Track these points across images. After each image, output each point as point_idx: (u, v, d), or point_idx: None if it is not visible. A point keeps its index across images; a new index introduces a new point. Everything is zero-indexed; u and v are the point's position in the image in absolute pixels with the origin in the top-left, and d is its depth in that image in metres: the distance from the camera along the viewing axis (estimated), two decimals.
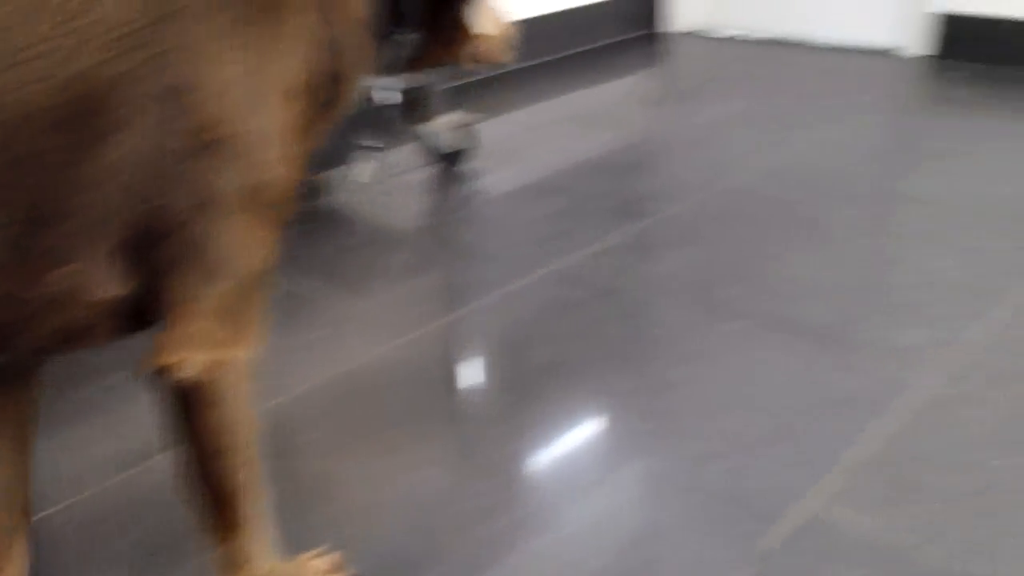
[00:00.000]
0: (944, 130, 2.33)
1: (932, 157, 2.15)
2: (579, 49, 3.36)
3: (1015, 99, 2.57)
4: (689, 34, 3.56)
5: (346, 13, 0.83)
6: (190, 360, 0.76)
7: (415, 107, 2.15)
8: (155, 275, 0.75)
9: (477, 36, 1.06)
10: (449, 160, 2.21)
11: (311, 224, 1.92)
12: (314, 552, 0.99)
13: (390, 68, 1.00)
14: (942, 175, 2.03)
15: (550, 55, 3.26)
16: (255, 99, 0.74)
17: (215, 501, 0.82)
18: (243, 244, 0.76)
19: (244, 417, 0.80)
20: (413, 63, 1.03)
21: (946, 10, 2.97)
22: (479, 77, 2.97)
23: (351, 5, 0.84)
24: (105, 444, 1.23)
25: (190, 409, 0.78)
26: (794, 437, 1.19)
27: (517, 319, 1.51)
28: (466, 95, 2.79)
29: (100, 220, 0.71)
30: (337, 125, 0.90)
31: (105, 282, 0.74)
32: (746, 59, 3.16)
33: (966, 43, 2.96)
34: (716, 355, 1.38)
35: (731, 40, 3.45)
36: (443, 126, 2.18)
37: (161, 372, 0.76)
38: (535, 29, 3.18)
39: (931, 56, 3.03)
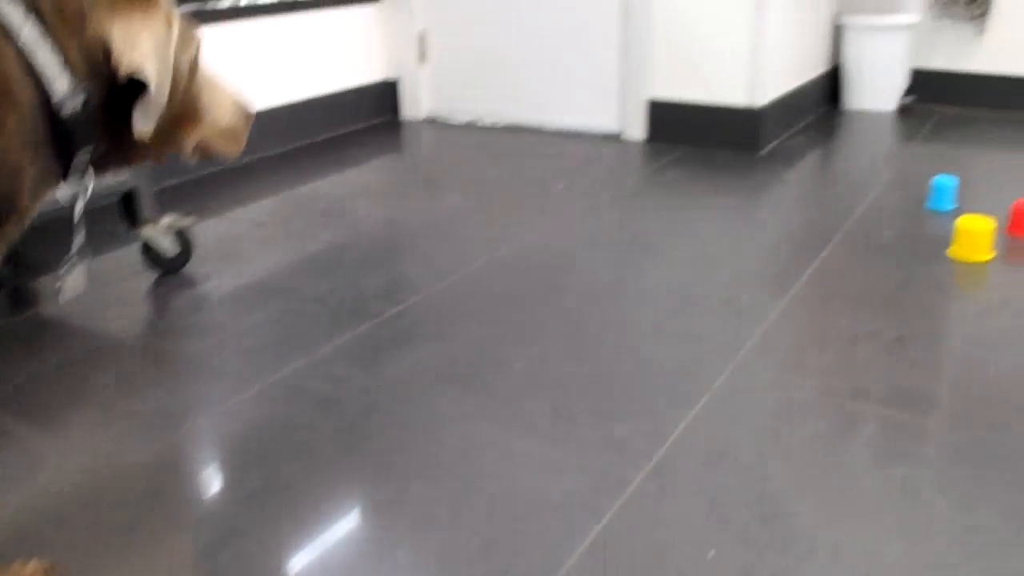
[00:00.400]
0: (659, 213, 2.45)
1: (649, 242, 2.25)
2: (315, 139, 3.32)
3: (719, 180, 2.75)
4: (429, 121, 3.60)
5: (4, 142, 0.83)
6: None
7: (131, 210, 2.04)
8: None
9: (197, 129, 1.04)
10: (169, 265, 2.10)
11: (10, 342, 1.75)
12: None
13: (76, 175, 0.96)
14: (658, 260, 2.12)
15: (283, 146, 3.20)
16: None
17: None
18: None
19: None
20: (98, 167, 0.99)
21: (657, 97, 3.16)
22: (205, 173, 2.86)
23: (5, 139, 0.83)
24: None
25: None
26: (512, 549, 1.16)
27: (232, 441, 1.42)
28: (189, 194, 2.68)
29: None
30: (14, 240, 0.89)
31: None
32: (483, 145, 3.22)
33: (674, 127, 3.15)
34: (439, 465, 1.34)
35: (469, 126, 3.51)
36: (161, 229, 2.07)
37: None
38: (270, 120, 3.11)
39: (648, 140, 3.21)
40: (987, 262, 2.11)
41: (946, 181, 2.47)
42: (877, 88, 3.70)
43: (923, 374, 1.60)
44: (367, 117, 3.56)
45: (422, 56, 3.58)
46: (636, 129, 3.24)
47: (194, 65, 1.00)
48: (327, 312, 1.86)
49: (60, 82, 0.88)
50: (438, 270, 2.08)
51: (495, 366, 1.63)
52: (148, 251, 2.10)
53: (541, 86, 3.38)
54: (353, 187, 2.72)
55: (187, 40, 0.98)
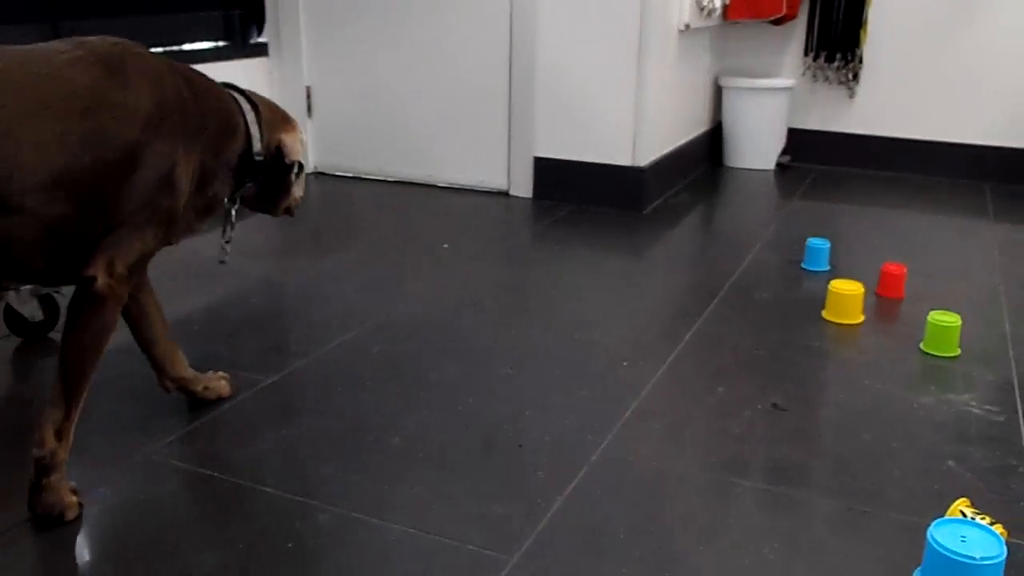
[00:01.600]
0: (544, 274, 2.45)
1: (533, 304, 2.24)
2: None
3: (603, 239, 2.78)
4: (315, 175, 3.55)
5: (219, 160, 1.50)
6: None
7: None
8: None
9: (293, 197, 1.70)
10: (33, 330, 2.00)
11: None
12: None
13: (234, 202, 1.62)
14: (542, 323, 2.12)
15: None
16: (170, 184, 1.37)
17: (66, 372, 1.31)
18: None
19: (110, 326, 1.33)
20: (249, 204, 1.67)
21: (543, 154, 3.19)
22: None
23: (225, 156, 1.51)
24: None
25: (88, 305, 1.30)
26: None
27: (90, 525, 1.34)
28: None
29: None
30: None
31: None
32: (369, 201, 3.19)
33: (561, 185, 3.18)
34: (310, 552, 1.29)
35: (356, 181, 3.48)
36: (25, 294, 1.97)
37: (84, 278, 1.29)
38: None
39: (536, 198, 3.23)
40: (859, 325, 2.17)
41: (820, 243, 2.55)
42: (756, 147, 3.81)
43: (798, 444, 1.62)
44: None
45: (309, 110, 3.54)
46: (523, 186, 3.25)
47: None
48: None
49: (256, 143, 1.56)
50: (319, 335, 2.03)
51: (373, 442, 1.59)
52: (11, 316, 2.00)
53: (429, 141, 3.38)
54: (233, 244, 2.65)
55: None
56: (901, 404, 1.78)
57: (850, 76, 3.76)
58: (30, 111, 1.21)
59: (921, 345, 2.04)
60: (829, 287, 2.19)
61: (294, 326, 2.09)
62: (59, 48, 1.31)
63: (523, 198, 3.25)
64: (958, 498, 1.38)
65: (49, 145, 1.22)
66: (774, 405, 1.76)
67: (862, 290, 2.18)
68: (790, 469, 1.53)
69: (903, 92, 3.75)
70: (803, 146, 3.88)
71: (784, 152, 3.86)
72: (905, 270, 2.37)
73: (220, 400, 1.72)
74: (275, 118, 1.62)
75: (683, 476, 1.50)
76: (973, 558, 1.16)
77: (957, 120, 3.70)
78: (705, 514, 1.40)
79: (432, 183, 3.41)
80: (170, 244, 1.44)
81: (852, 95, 3.80)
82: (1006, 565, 1.21)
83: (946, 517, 1.29)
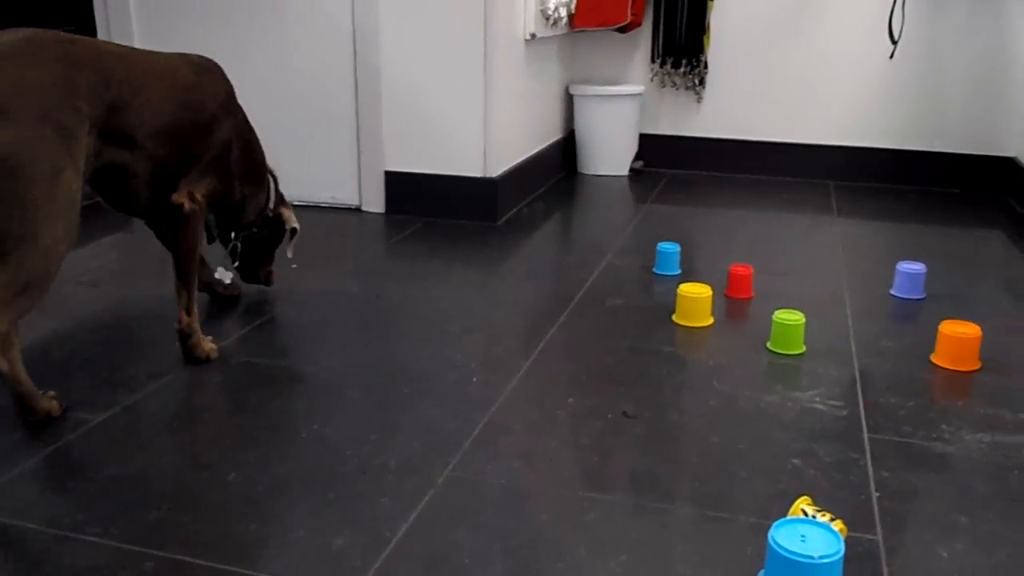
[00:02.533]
0: (396, 290, 2.40)
1: (384, 322, 2.19)
2: None
3: (457, 252, 2.74)
4: None
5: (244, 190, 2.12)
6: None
7: None
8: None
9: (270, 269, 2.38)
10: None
11: None
12: None
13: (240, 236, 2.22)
14: (393, 342, 2.06)
15: None
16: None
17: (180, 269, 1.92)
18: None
19: (197, 234, 1.94)
20: (243, 256, 2.28)
21: (394, 169, 3.13)
22: None
23: (251, 190, 2.15)
24: None
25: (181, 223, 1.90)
26: None
27: None
28: None
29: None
30: None
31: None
32: None
33: (413, 199, 3.13)
34: None
35: None
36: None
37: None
38: None
39: (388, 213, 3.17)
40: (708, 327, 2.19)
41: (670, 248, 2.57)
42: (609, 154, 3.84)
43: (647, 452, 1.61)
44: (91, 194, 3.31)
45: None
46: (375, 202, 3.19)
47: None
48: (16, 425, 1.67)
49: (271, 203, 2.21)
50: (154, 368, 1.92)
51: (207, 479, 1.51)
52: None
53: (279, 158, 3.26)
54: (75, 269, 2.50)
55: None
56: (749, 405, 1.79)
57: (696, 81, 3.83)
58: (153, 85, 1.79)
59: (768, 344, 2.06)
60: (678, 291, 2.21)
61: (131, 359, 1.98)
62: (162, 52, 1.92)
63: (376, 213, 3.19)
64: (800, 496, 1.39)
65: (164, 107, 1.81)
66: (624, 413, 1.75)
67: (710, 293, 2.20)
68: (640, 478, 1.52)
69: (748, 96, 3.84)
70: (655, 151, 3.94)
71: (637, 158, 3.91)
72: (752, 271, 2.41)
73: (45, 443, 1.60)
74: (280, 194, 2.27)
75: (532, 493, 1.47)
76: (812, 557, 1.16)
77: (801, 121, 3.82)
78: (553, 531, 1.37)
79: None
80: (226, 195, 2.04)
81: (699, 99, 3.88)
82: (845, 559, 1.22)
83: (787, 517, 1.29)
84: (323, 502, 1.44)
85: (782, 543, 1.19)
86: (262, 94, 3.21)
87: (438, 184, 3.11)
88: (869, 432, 1.68)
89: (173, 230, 1.93)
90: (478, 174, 3.09)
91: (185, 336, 1.95)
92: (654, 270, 2.60)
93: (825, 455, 1.60)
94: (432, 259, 2.66)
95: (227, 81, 2.03)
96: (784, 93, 3.81)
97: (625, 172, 3.89)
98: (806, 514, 1.33)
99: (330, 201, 3.27)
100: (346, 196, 3.25)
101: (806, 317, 2.06)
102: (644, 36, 3.88)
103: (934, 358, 2.01)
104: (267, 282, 2.34)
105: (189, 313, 1.94)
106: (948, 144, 3.72)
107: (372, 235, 2.95)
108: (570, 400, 1.80)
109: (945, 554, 1.33)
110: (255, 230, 2.22)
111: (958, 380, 1.94)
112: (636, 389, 1.85)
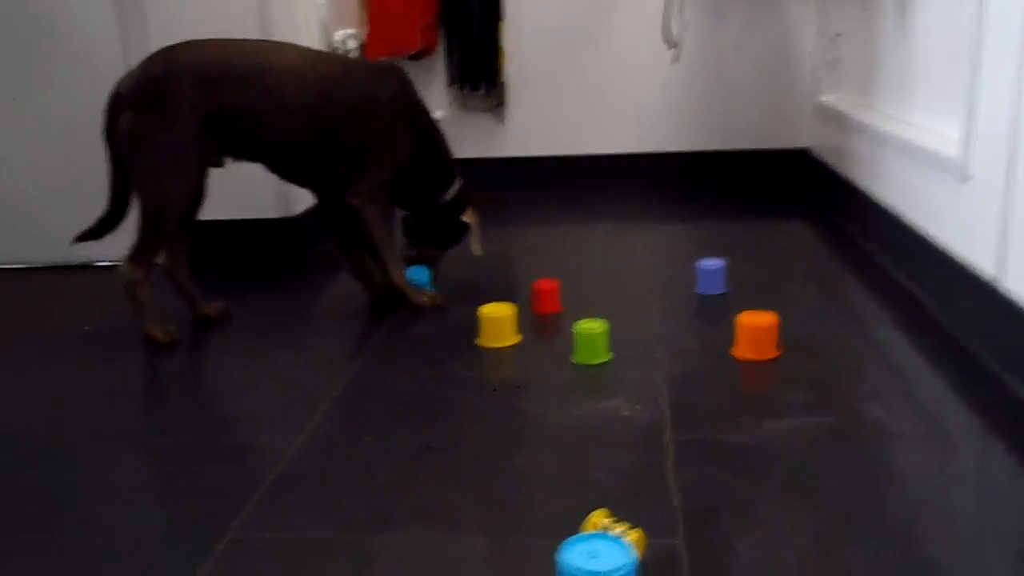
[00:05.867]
0: (190, 346, 2.25)
1: (172, 381, 2.05)
2: None
3: (260, 299, 2.61)
4: None
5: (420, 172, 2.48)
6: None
7: None
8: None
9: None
10: None
11: None
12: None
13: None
14: (179, 401, 1.93)
15: None
16: None
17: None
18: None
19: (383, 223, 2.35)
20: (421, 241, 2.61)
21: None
22: None
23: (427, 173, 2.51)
24: None
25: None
26: None
27: None
28: None
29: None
30: None
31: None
32: (14, 293, 2.84)
33: (212, 247, 2.97)
34: None
35: None
36: None
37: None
38: None
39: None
40: (514, 346, 2.14)
41: (419, 274, 2.50)
42: None
43: (447, 484, 1.53)
44: None
45: None
46: None
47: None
48: None
49: (451, 194, 2.56)
50: None
51: None
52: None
53: (54, 220, 3.05)
54: None
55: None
56: (553, 421, 1.75)
57: (495, 103, 3.82)
58: (302, 75, 2.23)
59: (573, 357, 2.03)
60: (478, 313, 2.15)
61: None
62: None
63: None
64: (595, 510, 1.34)
65: (311, 91, 2.23)
66: (425, 447, 1.67)
67: (512, 311, 2.15)
68: (438, 513, 1.44)
69: (548, 112, 3.86)
70: (462, 175, 3.89)
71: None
72: (558, 284, 2.37)
73: None
74: (473, 203, 2.57)
75: (320, 544, 1.37)
76: (599, 574, 1.10)
77: (600, 132, 3.86)
78: None
79: (67, 263, 3.08)
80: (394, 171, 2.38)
81: (501, 120, 3.87)
82: (647, 568, 1.18)
83: (580, 534, 1.23)
84: None
85: (571, 562, 1.13)
86: (25, 147, 2.99)
87: (237, 230, 2.97)
88: (672, 434, 1.66)
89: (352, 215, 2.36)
90: (278, 214, 2.97)
91: (387, 288, 2.43)
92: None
93: (627, 463, 1.57)
94: (233, 310, 2.50)
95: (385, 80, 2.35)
96: (582, 106, 3.84)
97: None
98: (604, 527, 1.28)
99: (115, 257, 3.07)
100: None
101: (612, 325, 2.03)
102: (439, 62, 3.84)
103: (734, 351, 2.02)
104: (431, 269, 2.57)
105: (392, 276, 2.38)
106: (743, 141, 3.83)
107: (170, 291, 2.77)
108: (368, 440, 1.71)
109: (743, 548, 1.30)
110: (426, 214, 2.52)
111: (758, 369, 1.95)
112: (440, 419, 1.78)
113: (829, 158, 3.45)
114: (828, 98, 3.52)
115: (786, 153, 3.82)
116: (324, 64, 2.30)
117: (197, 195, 2.28)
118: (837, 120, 3.32)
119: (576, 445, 1.64)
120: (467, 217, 2.54)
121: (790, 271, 2.71)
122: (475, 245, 2.55)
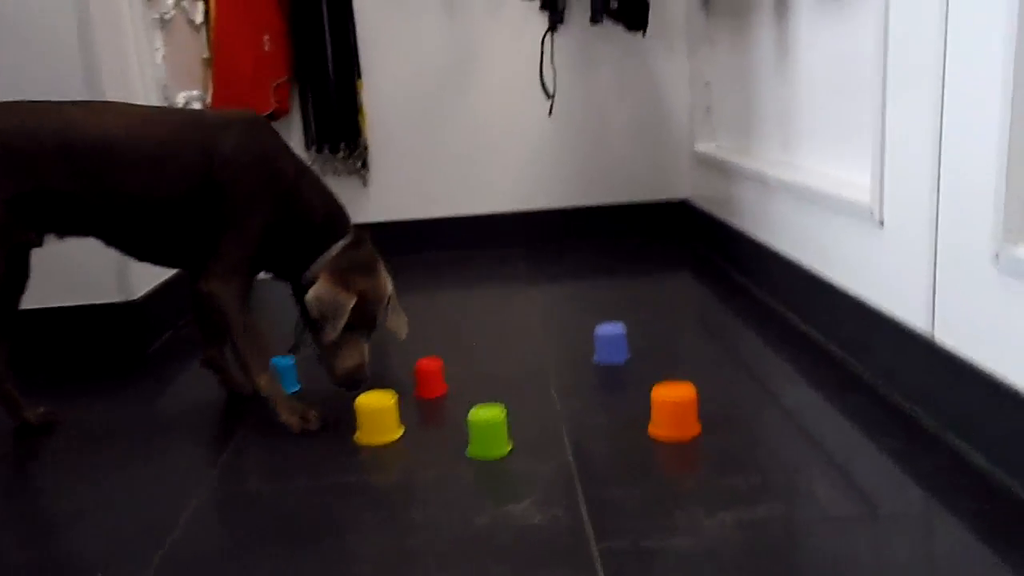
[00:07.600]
0: (5, 468, 1.88)
1: (13, 509, 1.67)
2: None
3: (95, 398, 2.24)
4: None
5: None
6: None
7: None
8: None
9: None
10: None
11: None
12: None
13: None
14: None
15: None
16: None
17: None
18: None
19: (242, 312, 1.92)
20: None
21: None
22: None
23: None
24: None
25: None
26: None
27: None
28: None
29: None
30: None
31: None
32: None
33: (41, 340, 2.58)
34: None
35: None
36: None
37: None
38: None
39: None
40: (397, 441, 1.85)
41: (284, 361, 2.20)
42: None
43: None
44: None
45: None
46: None
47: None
48: None
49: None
50: None
51: None
52: None
53: None
54: None
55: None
56: (453, 535, 1.46)
57: (358, 165, 3.55)
58: (132, 144, 1.86)
59: (468, 451, 1.75)
60: (355, 405, 1.86)
61: None
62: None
63: None
64: None
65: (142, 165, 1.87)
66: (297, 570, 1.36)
67: (393, 400, 1.86)
68: None
69: (416, 172, 3.62)
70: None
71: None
72: (442, 363, 2.10)
73: None
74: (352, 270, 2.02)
75: None
76: None
77: (473, 191, 3.63)
78: None
79: None
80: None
81: (365, 183, 3.60)
82: None
83: None
84: None
85: None
86: None
87: (68, 318, 2.58)
88: (597, 541, 1.40)
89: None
90: (116, 299, 2.60)
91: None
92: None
93: None
94: (64, 417, 2.12)
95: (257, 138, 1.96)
96: (452, 165, 3.61)
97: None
98: None
99: None
100: None
101: (508, 408, 1.77)
102: (295, 123, 3.55)
103: (652, 429, 1.78)
104: (345, 383, 1.97)
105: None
106: (623, 195, 3.67)
107: None
108: (229, 568, 1.38)
109: None
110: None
111: (681, 451, 1.72)
112: (316, 540, 1.47)
113: (710, 207, 3.32)
114: (706, 146, 3.40)
115: (666, 205, 3.68)
116: (159, 125, 1.89)
117: (10, 281, 1.93)
118: (718, 168, 3.19)
119: (487, 563, 1.36)
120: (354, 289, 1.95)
121: (687, 330, 2.52)
122: (395, 321, 2.08)
